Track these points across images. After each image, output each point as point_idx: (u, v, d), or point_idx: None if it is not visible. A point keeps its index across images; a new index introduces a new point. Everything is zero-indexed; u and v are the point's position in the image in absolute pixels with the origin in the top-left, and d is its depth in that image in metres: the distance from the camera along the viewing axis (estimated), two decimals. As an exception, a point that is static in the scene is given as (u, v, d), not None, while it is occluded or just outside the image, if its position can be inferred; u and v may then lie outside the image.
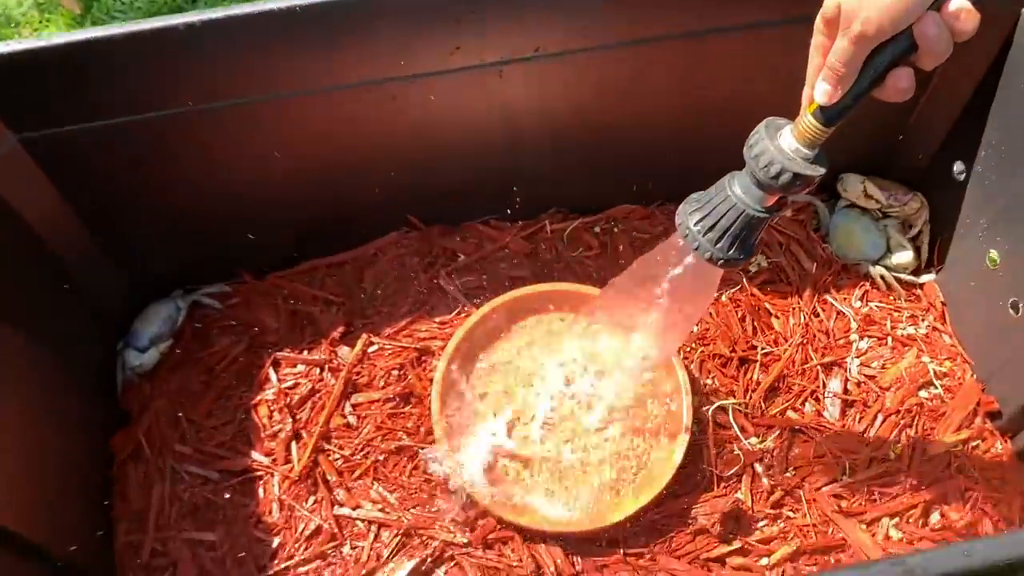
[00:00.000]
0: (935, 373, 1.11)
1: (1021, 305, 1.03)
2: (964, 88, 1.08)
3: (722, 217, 0.73)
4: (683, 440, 1.00)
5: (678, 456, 1.00)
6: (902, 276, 1.19)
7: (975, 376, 1.11)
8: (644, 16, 0.98)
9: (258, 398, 1.08)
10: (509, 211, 1.21)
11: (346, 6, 0.89)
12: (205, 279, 1.19)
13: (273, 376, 1.09)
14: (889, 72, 0.65)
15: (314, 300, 1.16)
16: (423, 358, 1.11)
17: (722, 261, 0.75)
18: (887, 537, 1.01)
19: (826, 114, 0.67)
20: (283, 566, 0.98)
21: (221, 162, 1.03)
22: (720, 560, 1.00)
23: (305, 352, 1.11)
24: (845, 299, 1.18)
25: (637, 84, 1.06)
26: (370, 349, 1.11)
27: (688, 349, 1.11)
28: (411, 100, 0.99)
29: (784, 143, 0.68)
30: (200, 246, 1.14)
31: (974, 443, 1.07)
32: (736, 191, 0.72)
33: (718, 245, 0.74)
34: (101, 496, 1.02)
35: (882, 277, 1.18)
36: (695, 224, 0.75)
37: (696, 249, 0.75)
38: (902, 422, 1.07)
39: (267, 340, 1.13)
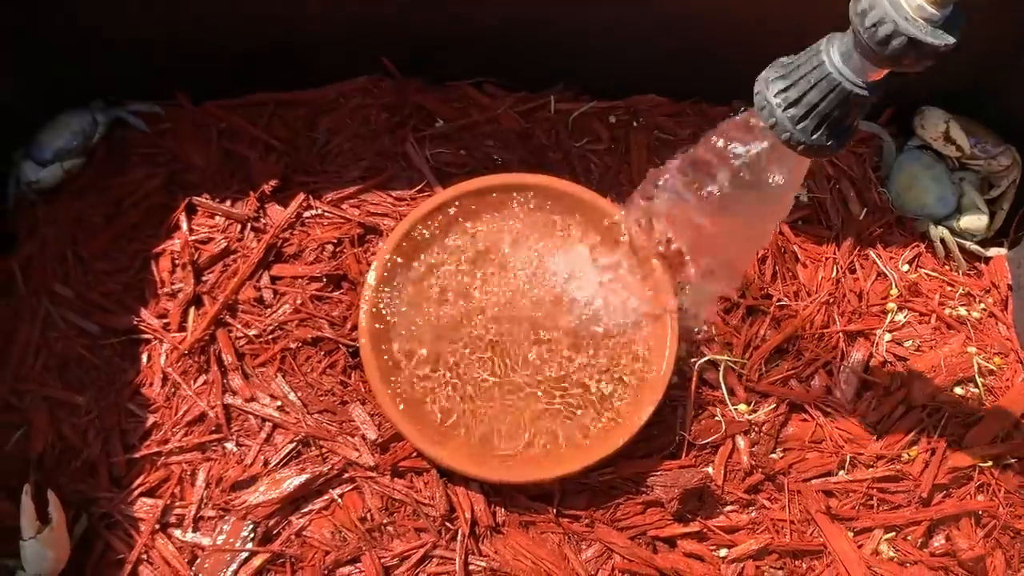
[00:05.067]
0: (980, 368, 0.91)
1: (1111, 309, 0.82)
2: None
3: (811, 89, 0.57)
4: (656, 394, 0.82)
5: (645, 412, 0.81)
6: (967, 244, 0.97)
7: (1028, 381, 0.91)
8: None
9: (162, 247, 0.90)
10: (510, 76, 0.99)
11: None
12: (134, 94, 0.98)
13: (184, 224, 0.90)
14: None
15: (254, 142, 0.95)
16: (367, 237, 0.91)
17: (803, 146, 0.60)
18: (876, 553, 0.84)
19: None
20: (154, 450, 0.82)
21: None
22: (670, 541, 0.83)
23: (229, 202, 0.92)
24: (892, 259, 0.97)
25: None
26: (306, 214, 0.92)
27: (683, 285, 0.91)
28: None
29: None
30: (133, 52, 0.93)
31: (1008, 460, 0.88)
32: (833, 57, 0.56)
33: (800, 125, 0.59)
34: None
35: (942, 240, 0.97)
36: (776, 95, 0.59)
37: (773, 128, 0.60)
38: (926, 420, 0.88)
39: (188, 179, 0.93)
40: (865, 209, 0.98)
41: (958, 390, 0.90)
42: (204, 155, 0.94)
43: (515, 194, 0.88)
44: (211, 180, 0.93)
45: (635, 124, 0.99)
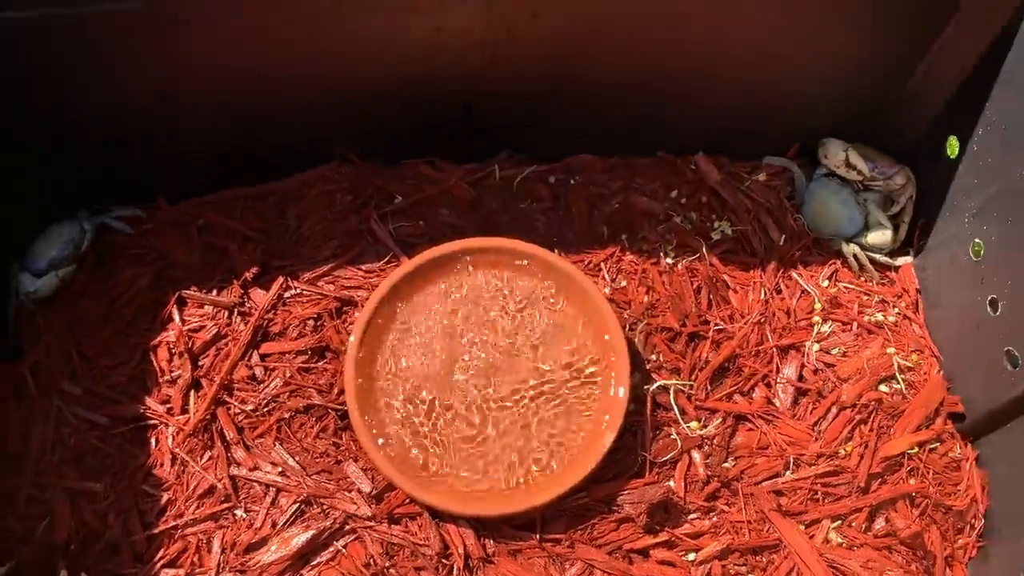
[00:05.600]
0: (899, 367, 1.02)
1: (1000, 303, 0.94)
2: (970, 55, 0.96)
3: None
4: (616, 422, 0.92)
5: (608, 439, 0.91)
6: (877, 257, 1.09)
7: (942, 373, 1.02)
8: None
9: (159, 339, 0.99)
10: (457, 151, 1.10)
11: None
12: (116, 199, 1.07)
13: (177, 316, 0.99)
14: None
15: (231, 234, 1.05)
16: (344, 309, 1.01)
17: None
18: (826, 541, 0.94)
19: None
20: (171, 524, 0.91)
21: (139, 69, 0.91)
22: (643, 552, 0.93)
23: (215, 292, 1.01)
24: (812, 277, 1.08)
25: (609, 22, 0.94)
26: (286, 294, 1.01)
27: (633, 321, 1.02)
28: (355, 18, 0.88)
29: None
30: (113, 161, 1.03)
31: (932, 445, 0.99)
32: None
33: None
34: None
35: (855, 256, 1.09)
36: None
37: None
38: (857, 417, 0.99)
39: (175, 275, 1.02)
40: (784, 235, 1.10)
41: (883, 387, 1.02)
42: (187, 251, 1.04)
43: (473, 256, 0.99)
44: (196, 273, 1.02)
45: (572, 182, 1.11)
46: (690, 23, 0.96)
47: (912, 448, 0.98)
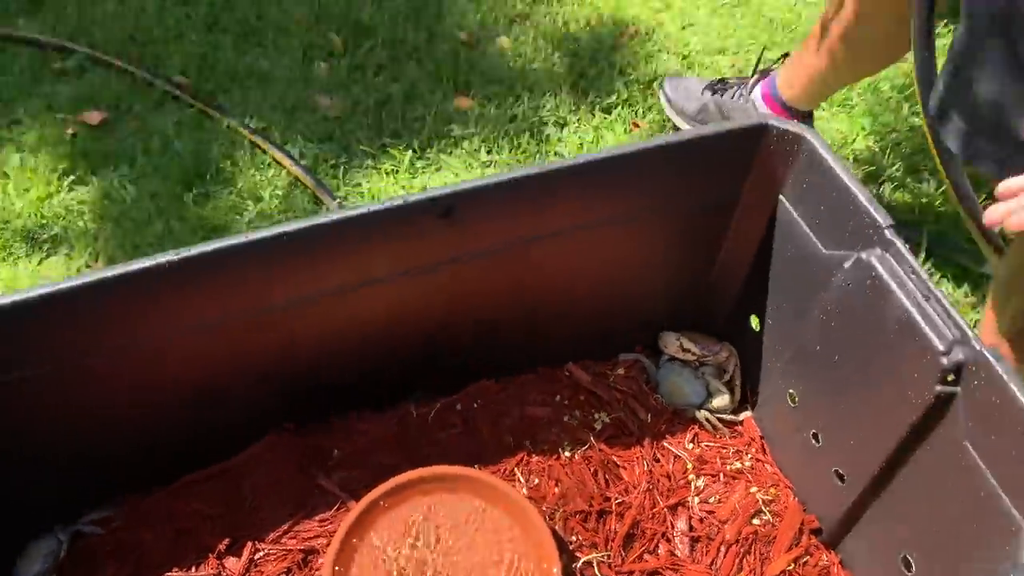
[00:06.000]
0: (763, 501, 1.28)
1: (820, 435, 1.22)
2: (746, 256, 1.29)
3: None
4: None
5: (552, 620, 1.10)
6: (723, 416, 1.37)
7: (796, 499, 1.29)
8: (481, 234, 1.14)
9: (151, 622, 1.11)
10: (377, 401, 1.32)
11: (205, 260, 0.99)
12: (84, 503, 1.21)
13: (165, 596, 1.13)
14: None
15: (195, 515, 1.20)
16: (309, 558, 1.17)
17: None
18: (743, 655, 1.15)
19: None
20: None
21: (93, 403, 1.10)
22: None
23: (193, 569, 1.15)
24: (679, 443, 1.34)
25: (480, 286, 1.21)
26: (256, 556, 1.17)
27: (551, 510, 1.24)
28: (279, 328, 1.11)
29: None
30: (77, 477, 1.18)
31: (804, 559, 1.23)
32: None
33: None
34: None
35: (707, 419, 1.36)
36: None
37: None
38: (742, 550, 1.22)
39: (153, 562, 1.16)
40: (650, 414, 1.36)
41: (755, 521, 1.26)
42: (159, 539, 1.18)
43: (409, 487, 1.18)
44: (172, 557, 1.16)
45: (475, 406, 1.34)
46: (545, 271, 1.25)
47: (789, 565, 1.21)
